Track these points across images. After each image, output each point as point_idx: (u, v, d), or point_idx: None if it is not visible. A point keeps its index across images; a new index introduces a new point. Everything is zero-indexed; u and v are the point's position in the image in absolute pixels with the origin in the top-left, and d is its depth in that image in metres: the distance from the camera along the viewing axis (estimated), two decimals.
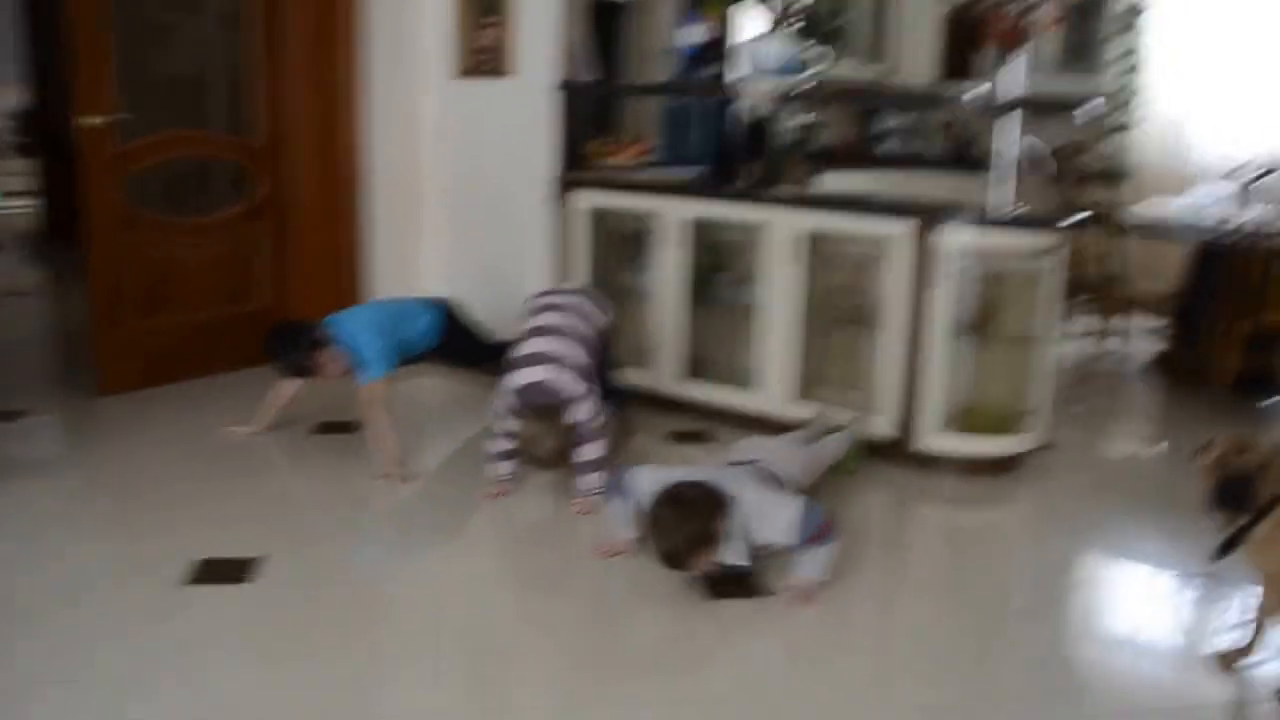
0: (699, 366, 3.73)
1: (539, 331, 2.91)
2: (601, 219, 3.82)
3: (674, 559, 2.23)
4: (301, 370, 3.16)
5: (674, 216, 3.60)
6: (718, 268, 3.72)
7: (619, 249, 3.90)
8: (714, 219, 3.56)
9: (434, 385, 4.02)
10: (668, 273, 3.64)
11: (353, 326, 3.20)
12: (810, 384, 3.53)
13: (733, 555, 2.31)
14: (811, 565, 2.38)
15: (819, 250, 3.42)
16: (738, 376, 3.62)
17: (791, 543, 2.32)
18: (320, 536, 2.66)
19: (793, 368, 3.47)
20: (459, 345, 3.46)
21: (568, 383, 2.82)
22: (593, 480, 2.85)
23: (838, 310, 3.48)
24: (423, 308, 3.39)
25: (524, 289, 3.87)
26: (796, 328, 3.43)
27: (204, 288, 3.95)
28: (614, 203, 3.74)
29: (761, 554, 2.41)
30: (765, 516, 2.30)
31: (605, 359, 3.17)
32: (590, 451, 2.84)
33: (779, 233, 3.41)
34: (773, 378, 3.50)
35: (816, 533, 2.32)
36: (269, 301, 4.14)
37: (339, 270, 4.17)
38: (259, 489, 2.94)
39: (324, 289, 4.15)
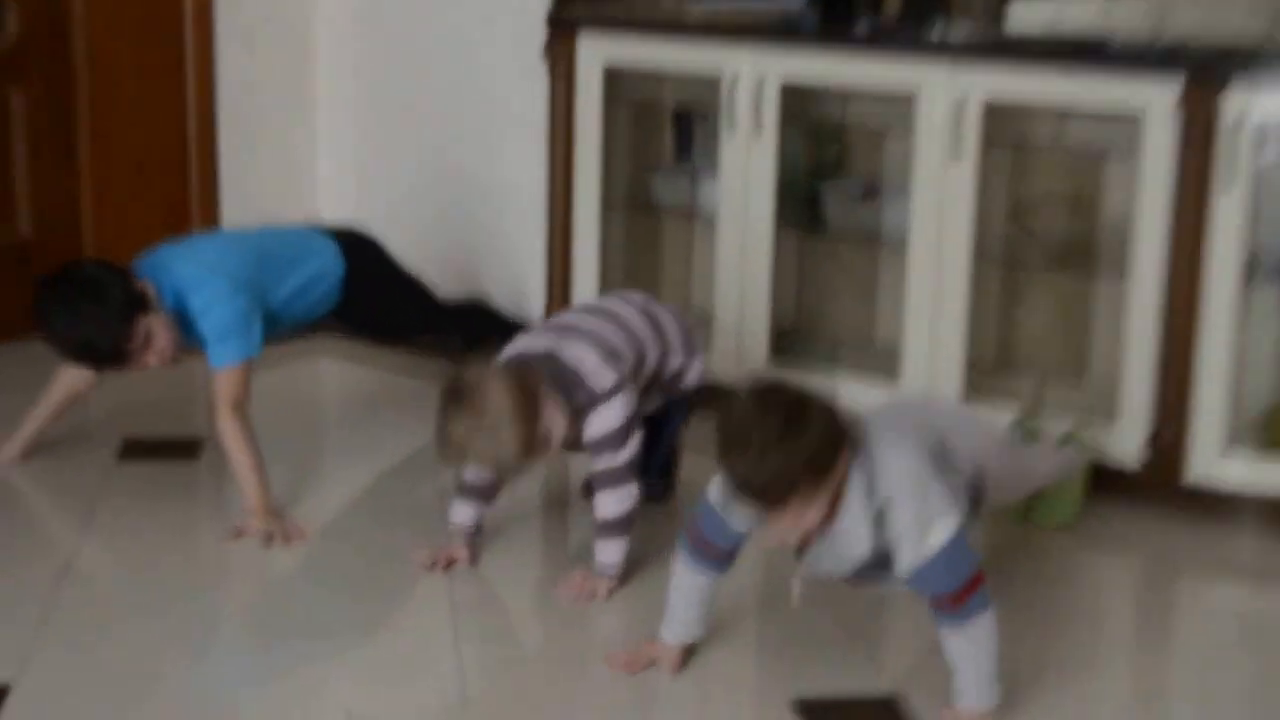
0: (792, 339, 3.68)
1: (556, 327, 2.81)
2: (625, 86, 3.73)
3: (757, 488, 2.07)
4: (103, 354, 2.93)
5: (749, 80, 3.42)
6: (826, 172, 3.63)
7: (654, 139, 3.87)
8: (819, 84, 3.45)
9: (337, 372, 3.98)
10: (739, 181, 3.47)
11: (190, 272, 3.00)
12: (989, 370, 3.39)
13: (848, 540, 2.15)
14: (969, 668, 2.22)
15: (1005, 137, 3.31)
16: (862, 356, 3.49)
17: (906, 572, 2.17)
18: (126, 649, 2.50)
19: (958, 342, 3.29)
20: (377, 305, 3.40)
21: (592, 366, 2.65)
22: (609, 552, 2.70)
23: (1039, 244, 3.38)
24: (314, 241, 3.30)
25: (490, 218, 3.95)
26: (964, 273, 3.26)
27: None
28: (646, 56, 3.63)
29: (866, 577, 2.27)
30: (907, 511, 2.15)
31: (669, 422, 3.00)
32: (610, 504, 2.68)
33: (935, 106, 3.21)
34: (921, 358, 3.33)
35: (949, 592, 2.17)
36: (34, 230, 4.08)
37: (166, 179, 4.17)
38: (17, 570, 2.79)
39: (140, 209, 4.15)
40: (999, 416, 3.18)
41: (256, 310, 3.00)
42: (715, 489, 2.29)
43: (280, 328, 3.14)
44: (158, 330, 2.91)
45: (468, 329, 3.63)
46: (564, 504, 3.20)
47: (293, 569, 2.79)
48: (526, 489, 3.17)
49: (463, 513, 2.79)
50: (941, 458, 2.33)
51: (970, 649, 2.22)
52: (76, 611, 2.58)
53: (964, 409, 2.89)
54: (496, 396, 2.43)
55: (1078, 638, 2.63)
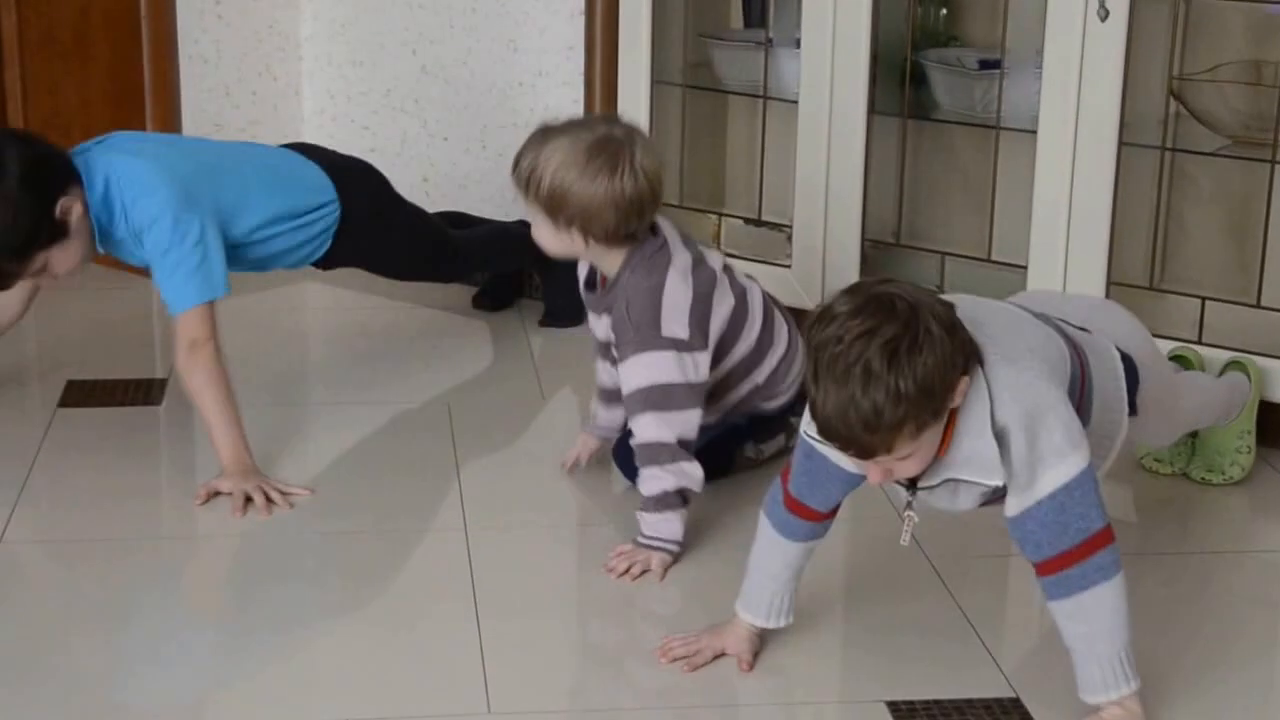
0: (890, 253, 3.63)
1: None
2: None
3: (856, 425, 2.04)
4: (19, 254, 2.84)
5: None
6: (932, 40, 3.56)
7: (717, 2, 3.86)
8: None
9: (325, 298, 3.96)
10: (824, 53, 3.44)
11: (132, 168, 2.93)
12: (1141, 293, 3.28)
13: (973, 464, 2.14)
14: (1086, 650, 2.22)
15: None
16: (978, 273, 3.48)
17: (1010, 527, 2.18)
18: (66, 647, 2.47)
19: (1099, 253, 3.21)
20: (376, 255, 3.46)
21: (674, 302, 2.71)
22: (661, 527, 2.74)
23: (1209, 127, 3.24)
24: (301, 170, 3.28)
25: (511, 104, 3.90)
26: (1108, 167, 3.17)
27: None
28: None
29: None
30: (1021, 444, 2.14)
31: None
32: (651, 482, 2.74)
33: None
34: (1052, 274, 3.26)
35: (1074, 544, 2.15)
36: None
37: (111, 51, 4.10)
38: None
39: (78, 88, 4.11)
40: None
41: (216, 237, 2.90)
42: (810, 421, 2.19)
43: (241, 267, 3.05)
44: (75, 223, 2.81)
45: (490, 263, 3.68)
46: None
47: (274, 540, 2.76)
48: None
49: (606, 416, 2.97)
50: (1083, 383, 2.32)
51: (1087, 627, 2.16)
52: (13, 596, 2.55)
53: (1109, 305, 2.81)
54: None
55: (1244, 628, 2.56)
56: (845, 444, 2.04)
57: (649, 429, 2.65)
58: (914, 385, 1.99)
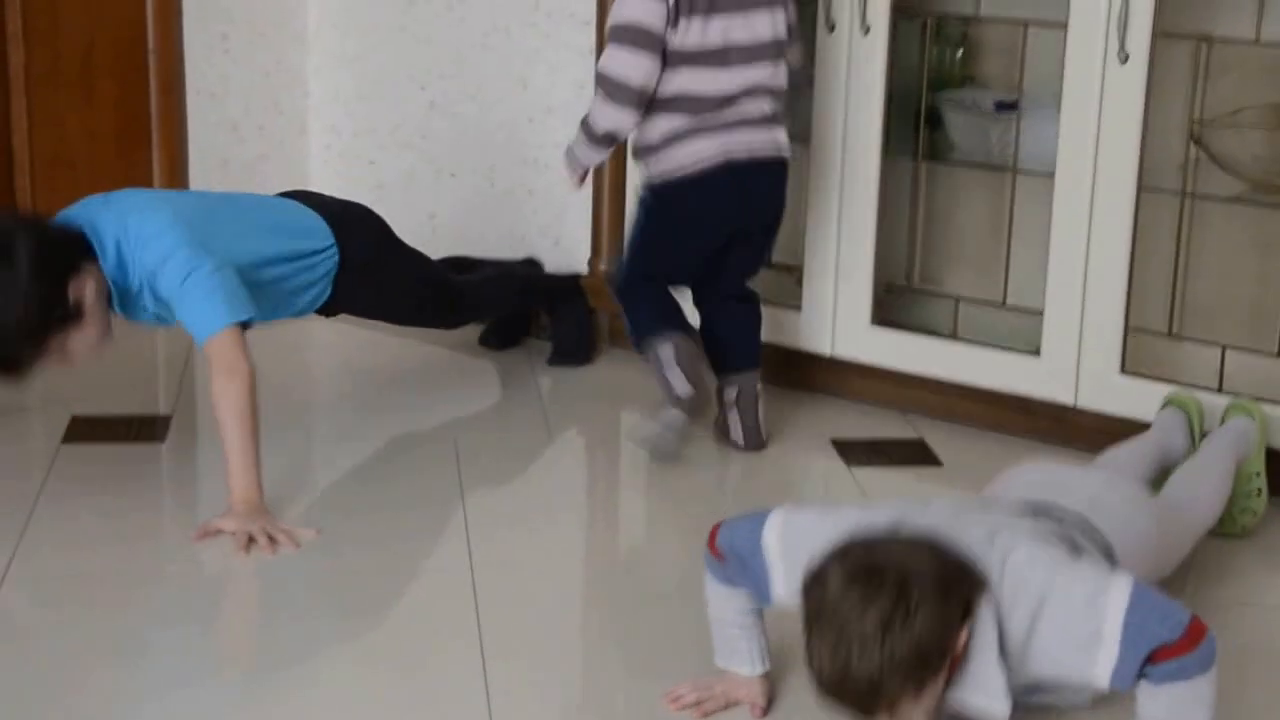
0: (903, 298, 3.64)
1: None
2: None
3: (853, 696, 2.08)
4: (35, 343, 2.87)
5: None
6: (949, 81, 3.59)
7: None
8: None
9: (332, 333, 3.93)
10: (838, 92, 3.47)
11: (137, 223, 2.94)
12: (1159, 341, 3.27)
13: (979, 692, 2.18)
14: None
15: (1182, 34, 3.22)
16: (992, 321, 3.50)
17: (1108, 675, 2.17)
18: (73, 688, 2.44)
19: (1117, 298, 3.19)
20: (377, 304, 3.45)
21: None
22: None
23: (1230, 172, 3.23)
24: (300, 218, 3.27)
25: (520, 138, 3.89)
26: (1126, 211, 3.16)
27: None
28: None
29: (1034, 694, 2.32)
30: (1064, 615, 2.17)
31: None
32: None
33: None
34: (1069, 322, 3.24)
35: (1170, 642, 2.15)
36: None
37: (117, 82, 4.10)
38: None
39: (84, 119, 4.08)
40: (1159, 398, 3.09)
41: (231, 269, 2.90)
42: (775, 528, 2.29)
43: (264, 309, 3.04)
44: (89, 304, 2.84)
45: (495, 308, 3.67)
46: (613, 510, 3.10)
47: (280, 578, 2.75)
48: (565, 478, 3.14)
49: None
50: (1092, 545, 2.35)
51: (1177, 713, 2.15)
52: (16, 634, 2.54)
53: (1105, 472, 2.83)
54: None
55: (1250, 682, 2.52)
56: (848, 710, 2.08)
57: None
58: (908, 655, 2.04)
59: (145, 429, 3.32)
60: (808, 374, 3.53)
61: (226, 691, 2.44)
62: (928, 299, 3.59)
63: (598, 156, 3.17)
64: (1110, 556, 2.40)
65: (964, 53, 3.56)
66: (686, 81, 3.02)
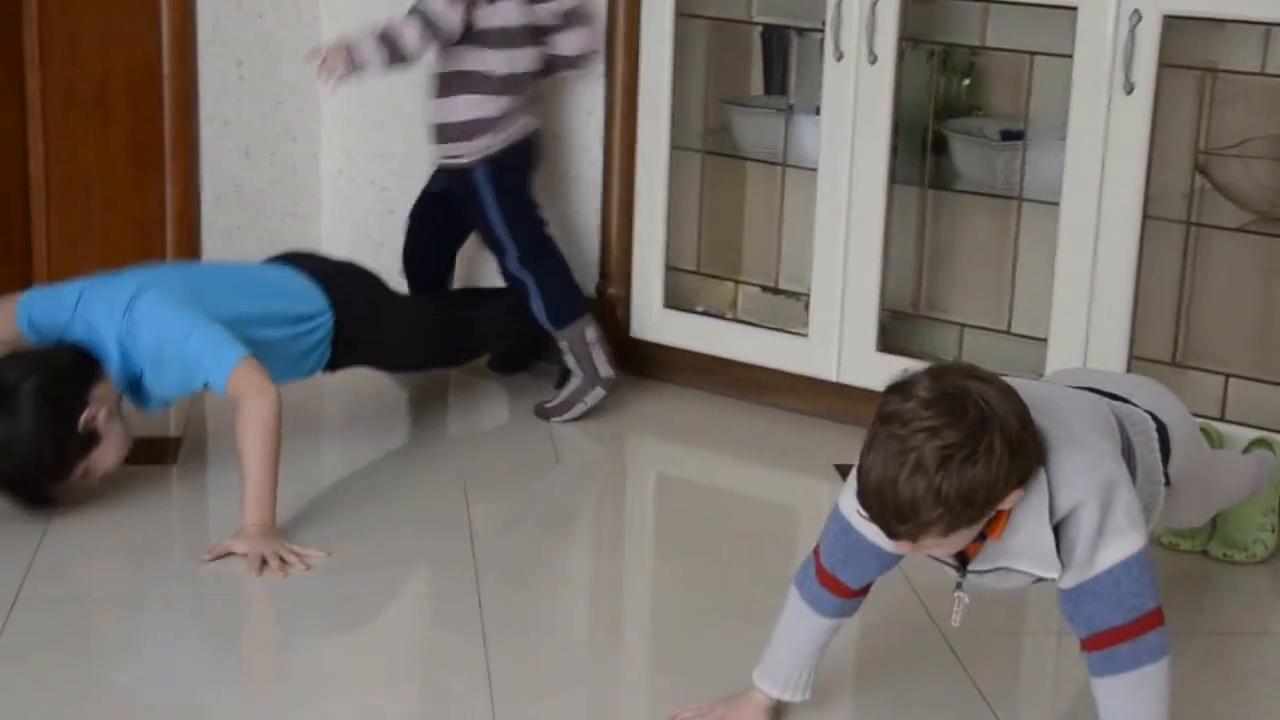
0: (908, 324, 3.63)
1: None
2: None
3: (886, 511, 2.07)
4: (57, 478, 2.96)
5: None
6: (955, 110, 3.58)
7: (737, 65, 3.88)
8: None
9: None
10: (845, 121, 3.45)
11: (132, 319, 2.98)
12: (1163, 369, 3.25)
13: (1028, 555, 2.18)
14: None
15: (1187, 65, 3.20)
16: (998, 347, 3.48)
17: (1065, 600, 2.19)
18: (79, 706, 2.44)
19: (1122, 326, 3.20)
20: (378, 357, 3.48)
21: None
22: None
23: (1234, 202, 3.22)
24: (291, 283, 3.28)
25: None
26: (1131, 240, 3.17)
27: None
28: None
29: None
30: (1083, 526, 2.16)
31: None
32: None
33: (1095, 23, 3.13)
34: (1073, 349, 3.24)
35: (1128, 621, 2.17)
36: None
37: (133, 111, 4.07)
38: None
39: (99, 148, 4.06)
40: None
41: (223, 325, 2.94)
42: (850, 496, 2.22)
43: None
44: (103, 426, 2.87)
45: (504, 340, 3.68)
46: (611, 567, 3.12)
47: (288, 600, 2.74)
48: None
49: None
50: (1131, 450, 2.31)
51: (1131, 707, 2.15)
52: (29, 653, 2.53)
53: (1147, 381, 2.80)
54: None
55: (1260, 709, 2.52)
56: (875, 518, 2.07)
57: None
58: (955, 493, 2.02)
59: (157, 450, 3.28)
60: (813, 399, 3.52)
61: (234, 712, 2.42)
62: (933, 326, 3.59)
63: (377, 69, 3.31)
64: (1167, 453, 2.38)
65: (970, 82, 3.57)
66: (515, 60, 3.40)
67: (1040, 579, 2.21)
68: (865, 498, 2.07)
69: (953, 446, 2.01)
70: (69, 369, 2.88)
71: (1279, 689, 2.62)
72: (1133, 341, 3.16)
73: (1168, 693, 2.14)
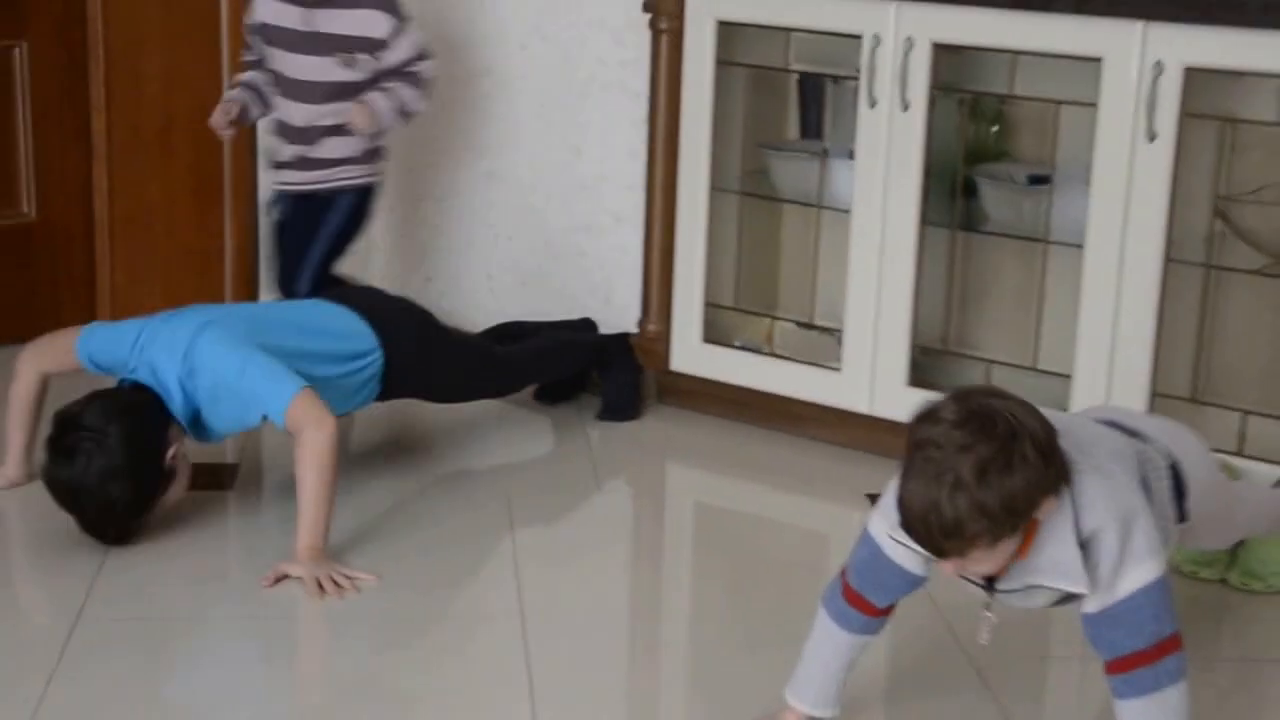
0: (937, 366, 3.61)
1: None
2: (741, 44, 3.68)
3: (933, 533, 2.05)
4: (143, 513, 2.98)
5: (894, 41, 3.37)
6: (984, 155, 3.55)
7: (774, 111, 3.84)
8: (979, 47, 3.39)
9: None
10: (878, 165, 3.42)
11: (190, 362, 2.98)
12: (1183, 405, 3.23)
13: (1056, 572, 2.15)
14: None
15: (1207, 115, 3.17)
16: (1023, 382, 3.36)
17: (1088, 624, 2.17)
18: (144, 712, 2.46)
19: (1144, 364, 3.17)
20: (429, 391, 3.47)
21: None
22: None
23: (1252, 246, 3.20)
24: (341, 321, 3.25)
25: (574, 205, 3.94)
26: (1154, 281, 3.15)
27: None
28: (767, 11, 3.59)
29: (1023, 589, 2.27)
30: (1104, 549, 2.14)
31: None
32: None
33: (1124, 73, 3.12)
34: (1096, 384, 3.22)
35: (1149, 645, 2.14)
36: (38, 210, 4.11)
37: (194, 151, 4.15)
38: (27, 617, 2.83)
39: (162, 187, 4.14)
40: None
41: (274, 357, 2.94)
42: (881, 519, 2.22)
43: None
44: (181, 462, 2.91)
45: (546, 374, 3.69)
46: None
47: (340, 621, 2.74)
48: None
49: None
50: (1172, 484, 2.30)
51: (1156, 710, 2.12)
52: (91, 671, 2.54)
53: (1172, 424, 2.77)
54: None
55: None
56: (922, 542, 2.06)
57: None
58: (998, 504, 2.01)
59: (215, 477, 3.28)
60: (846, 431, 3.50)
61: None
62: (962, 361, 3.56)
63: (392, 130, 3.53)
64: (1181, 493, 2.35)
65: (999, 129, 3.54)
66: None
67: (1064, 598, 2.19)
68: (910, 524, 2.05)
69: (988, 460, 2.00)
70: (147, 410, 2.90)
71: None
72: (1154, 378, 3.13)
73: (1187, 714, 2.13)
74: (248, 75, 3.53)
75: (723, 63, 3.60)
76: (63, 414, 2.92)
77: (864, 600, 2.28)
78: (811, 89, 3.72)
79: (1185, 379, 3.26)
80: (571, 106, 3.92)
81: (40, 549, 3.01)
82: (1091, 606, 2.13)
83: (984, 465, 2.00)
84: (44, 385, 3.14)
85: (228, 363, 2.91)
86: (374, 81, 3.43)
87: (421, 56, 3.47)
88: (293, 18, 3.43)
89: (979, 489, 1.99)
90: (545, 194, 3.99)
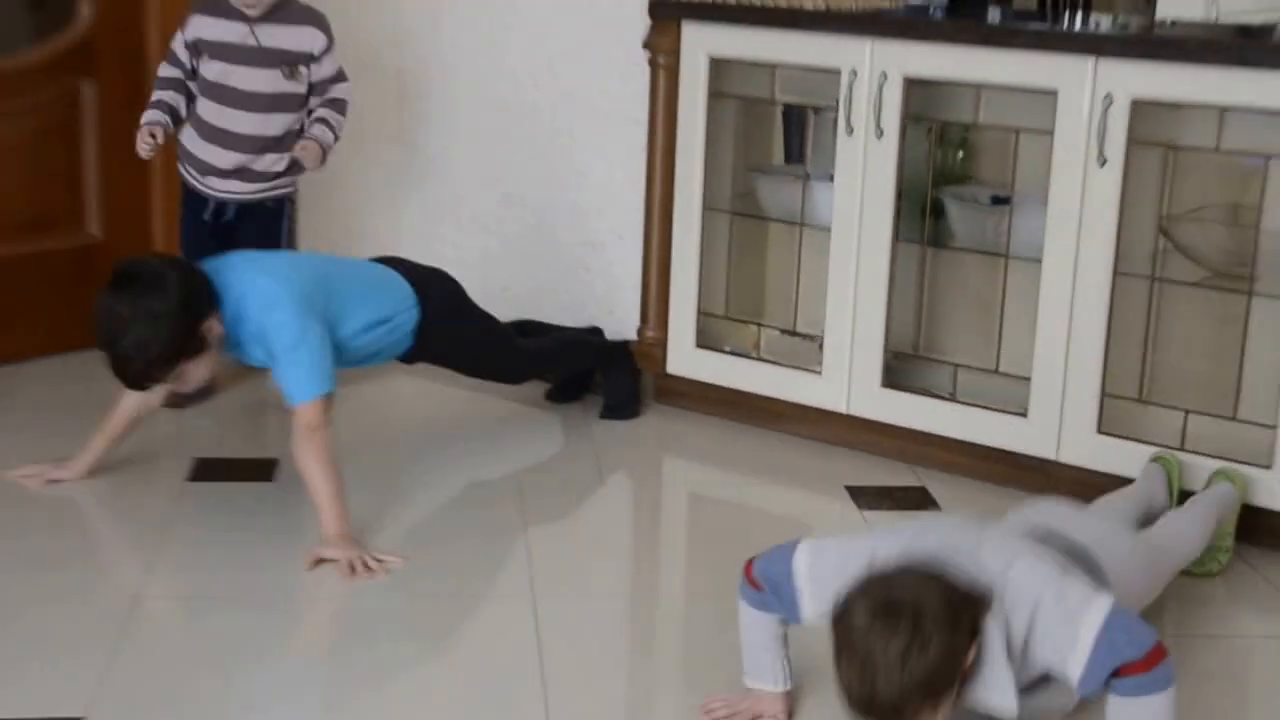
0: (909, 364, 3.59)
1: None
2: (731, 79, 3.66)
3: (879, 713, 2.08)
4: (168, 364, 2.92)
5: (869, 75, 3.34)
6: (950, 178, 3.55)
7: (761, 138, 3.83)
8: (947, 80, 3.36)
9: (414, 390, 3.97)
10: (855, 187, 3.42)
11: (262, 284, 3.01)
12: (1130, 405, 3.25)
13: (993, 691, 2.15)
14: None
15: (1152, 142, 3.19)
16: (986, 385, 3.40)
17: (1076, 678, 2.15)
18: (199, 686, 2.50)
19: (1095, 369, 3.19)
20: (452, 354, 3.49)
21: None
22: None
23: (1193, 261, 3.24)
24: (387, 280, 3.32)
25: (579, 225, 4.11)
26: (1103, 293, 3.17)
27: None
28: (755, 49, 3.56)
29: (1037, 690, 2.26)
30: (1050, 621, 2.15)
31: None
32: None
33: (1077, 104, 3.11)
34: (1053, 387, 3.23)
35: (1132, 661, 2.14)
36: (103, 231, 4.11)
37: None
38: (87, 599, 2.77)
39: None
40: (1138, 460, 3.10)
41: (328, 341, 3.00)
42: (804, 557, 2.28)
43: (341, 364, 3.13)
44: (213, 342, 2.93)
45: (554, 369, 3.74)
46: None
47: (368, 603, 2.79)
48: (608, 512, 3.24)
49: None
50: (1084, 565, 2.33)
51: (1141, 712, 2.15)
52: (149, 645, 2.58)
53: (1099, 513, 2.81)
54: None
55: (1213, 707, 2.51)
56: None
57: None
58: (925, 679, 2.07)
59: (258, 470, 3.34)
60: (826, 428, 3.56)
61: (320, 699, 2.49)
62: (931, 365, 3.58)
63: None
64: (1103, 582, 2.35)
65: (964, 154, 3.55)
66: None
67: (1043, 678, 2.21)
68: (858, 712, 2.10)
69: (904, 650, 2.06)
70: (204, 286, 2.95)
71: (1231, 686, 2.63)
72: (1104, 380, 3.19)
73: (1172, 715, 2.15)
74: (166, 95, 3.54)
75: (715, 94, 3.63)
76: (134, 257, 3.01)
77: (762, 586, 2.35)
78: (795, 118, 3.73)
79: (1133, 381, 3.28)
80: (579, 134, 3.98)
81: (102, 534, 3.11)
82: (1074, 674, 2.15)
83: (902, 654, 2.05)
84: (141, 415, 3.22)
85: (288, 330, 2.95)
86: (308, 93, 3.57)
87: (341, 76, 3.59)
88: (240, 33, 3.48)
89: (903, 675, 2.05)
90: (555, 213, 4.05)
